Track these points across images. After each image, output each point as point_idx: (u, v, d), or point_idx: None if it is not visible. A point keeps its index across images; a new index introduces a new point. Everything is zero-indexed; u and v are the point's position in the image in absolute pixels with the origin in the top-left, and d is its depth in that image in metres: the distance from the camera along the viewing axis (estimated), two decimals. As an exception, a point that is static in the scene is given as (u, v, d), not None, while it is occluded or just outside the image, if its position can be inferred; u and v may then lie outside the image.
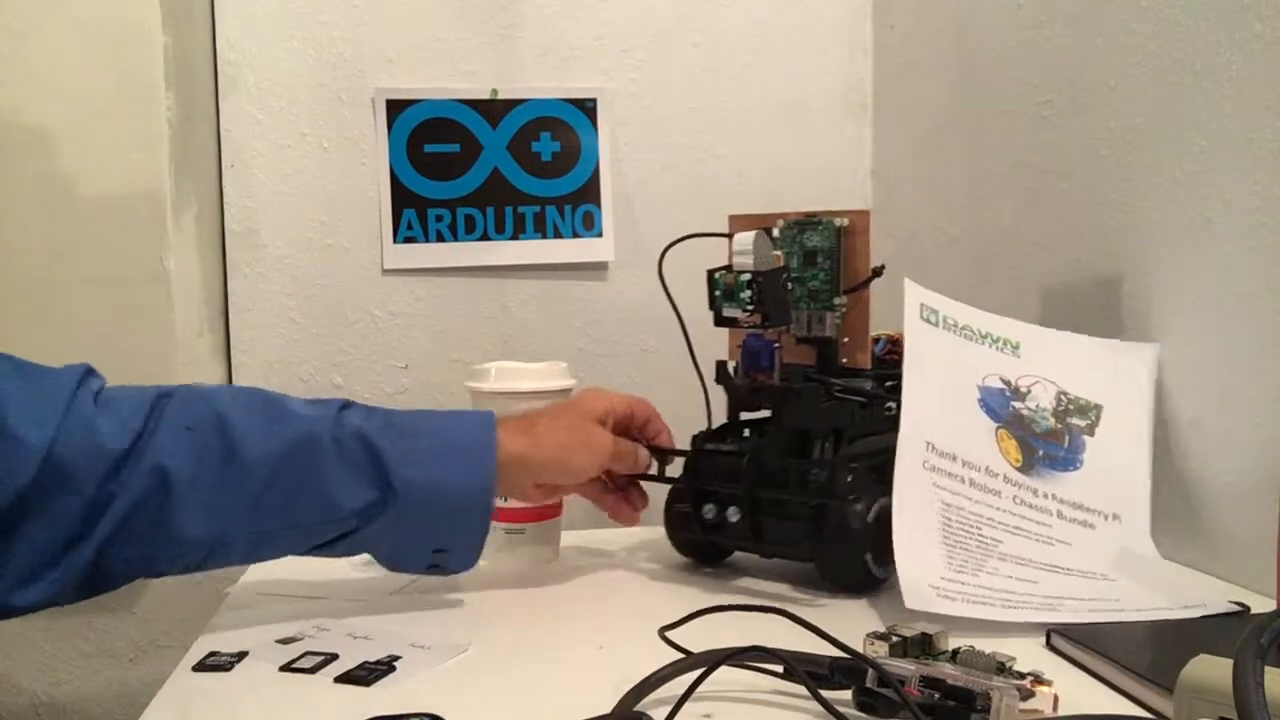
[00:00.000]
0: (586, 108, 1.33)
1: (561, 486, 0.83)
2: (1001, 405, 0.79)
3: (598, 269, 1.32)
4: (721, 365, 0.85)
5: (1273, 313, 0.74)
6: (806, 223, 0.84)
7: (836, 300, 0.83)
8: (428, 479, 0.71)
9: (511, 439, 0.75)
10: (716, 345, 0.89)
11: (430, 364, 1.33)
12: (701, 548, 0.86)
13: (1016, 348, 0.83)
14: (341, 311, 1.32)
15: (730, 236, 0.82)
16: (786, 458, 0.80)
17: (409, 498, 0.71)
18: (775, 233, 0.85)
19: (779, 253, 0.81)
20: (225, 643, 0.69)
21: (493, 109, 1.31)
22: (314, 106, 1.30)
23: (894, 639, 0.59)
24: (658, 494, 0.87)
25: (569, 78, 1.33)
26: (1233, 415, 0.77)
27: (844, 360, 0.84)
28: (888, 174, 1.37)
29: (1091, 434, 0.81)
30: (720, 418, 0.87)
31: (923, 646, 0.60)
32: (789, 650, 0.58)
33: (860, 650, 0.57)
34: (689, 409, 0.88)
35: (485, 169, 1.32)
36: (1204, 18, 0.79)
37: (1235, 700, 0.41)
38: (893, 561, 0.71)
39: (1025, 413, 0.80)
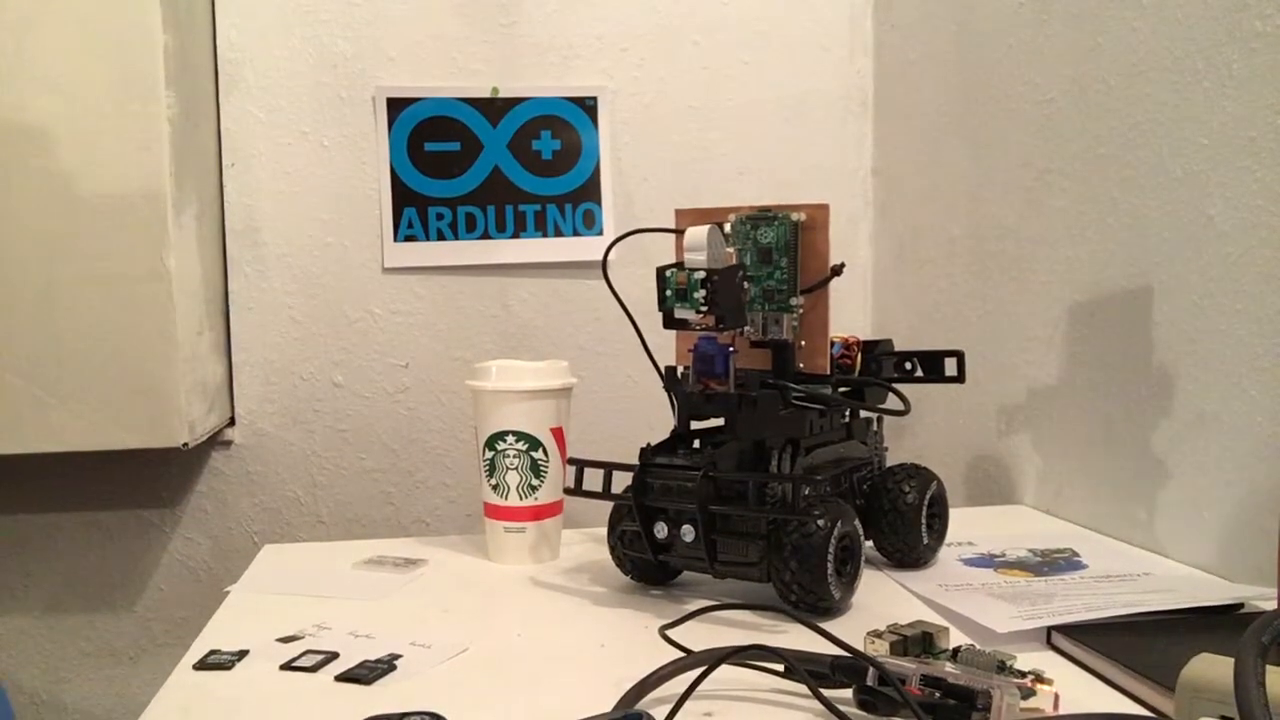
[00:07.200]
0: (587, 106, 1.33)
1: None
2: (986, 562, 0.84)
3: (598, 267, 1.32)
4: (671, 371, 0.80)
5: (1274, 310, 0.74)
6: (761, 218, 0.79)
7: (793, 301, 0.78)
8: None
9: None
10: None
11: (431, 362, 1.33)
12: (651, 569, 0.80)
13: (973, 544, 0.90)
14: (342, 310, 1.32)
15: (680, 232, 0.77)
16: (741, 470, 0.75)
17: None
18: (727, 228, 0.79)
19: (731, 250, 0.77)
20: (226, 641, 0.69)
21: (493, 107, 1.31)
22: (314, 105, 1.30)
23: (894, 637, 0.59)
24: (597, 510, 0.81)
25: (569, 76, 1.33)
26: (1234, 414, 0.77)
27: (800, 365, 0.79)
28: (889, 172, 1.37)
29: (1079, 557, 0.84)
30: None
31: (923, 645, 0.60)
32: (790, 649, 0.58)
33: (861, 649, 0.57)
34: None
35: (486, 167, 1.32)
36: (1204, 16, 0.79)
37: (1236, 699, 0.41)
38: (853, 582, 0.72)
39: (1012, 559, 0.84)
